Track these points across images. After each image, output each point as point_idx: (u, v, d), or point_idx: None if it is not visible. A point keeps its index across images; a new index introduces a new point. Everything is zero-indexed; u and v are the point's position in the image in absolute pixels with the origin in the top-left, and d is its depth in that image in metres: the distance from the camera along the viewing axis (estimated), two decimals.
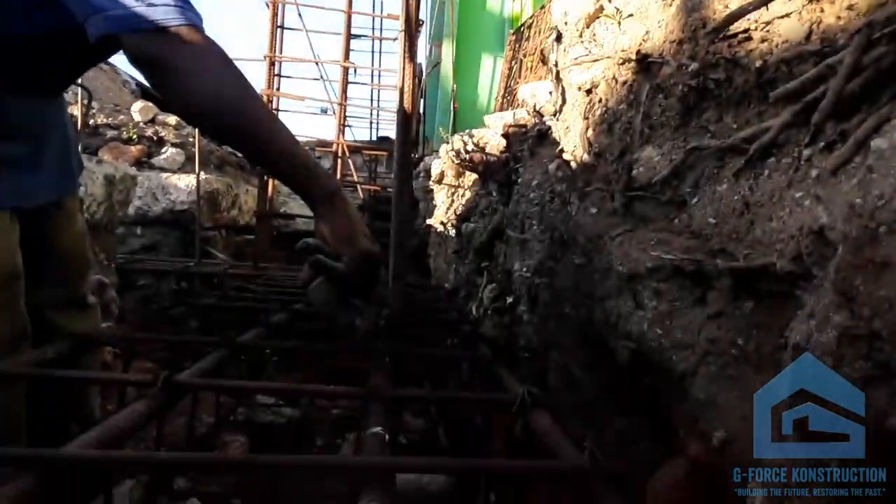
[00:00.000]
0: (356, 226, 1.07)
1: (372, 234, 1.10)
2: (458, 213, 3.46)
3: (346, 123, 6.37)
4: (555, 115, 1.68)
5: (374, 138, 7.93)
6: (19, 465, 0.55)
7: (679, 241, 1.06)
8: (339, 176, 5.93)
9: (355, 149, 6.78)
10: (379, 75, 8.08)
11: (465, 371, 1.56)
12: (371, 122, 7.88)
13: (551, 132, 2.26)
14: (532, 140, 2.34)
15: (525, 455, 0.86)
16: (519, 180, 2.40)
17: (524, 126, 2.53)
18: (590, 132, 1.20)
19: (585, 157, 1.24)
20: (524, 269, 2.07)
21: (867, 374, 0.64)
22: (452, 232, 3.77)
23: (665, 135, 1.10)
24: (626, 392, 1.33)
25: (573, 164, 1.37)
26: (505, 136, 2.82)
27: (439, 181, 4.45)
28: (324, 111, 7.79)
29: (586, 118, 1.26)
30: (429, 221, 4.81)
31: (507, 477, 0.90)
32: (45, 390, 1.24)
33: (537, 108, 2.40)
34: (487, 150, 3.36)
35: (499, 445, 1.83)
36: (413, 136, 4.60)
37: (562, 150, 1.43)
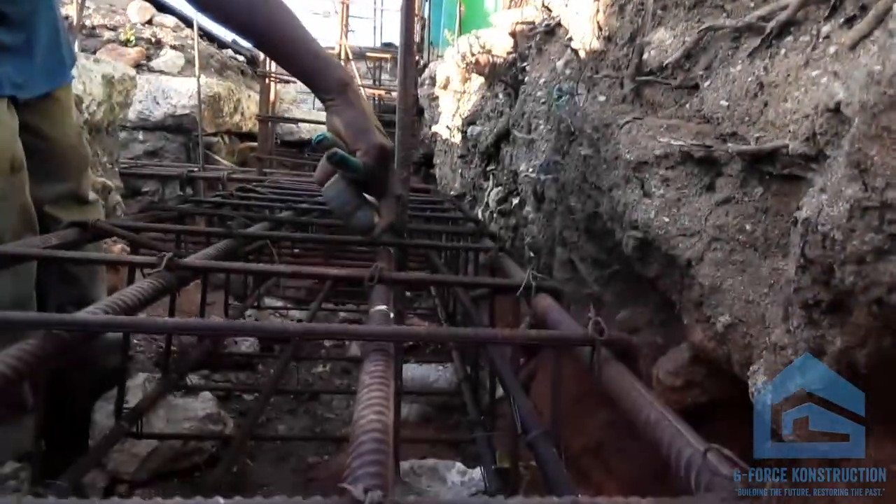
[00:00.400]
0: (370, 119, 1.03)
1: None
2: (463, 117, 3.40)
3: (349, 28, 6.19)
4: (566, 3, 1.62)
5: (377, 44, 7.72)
6: (26, 327, 0.55)
7: (689, 126, 1.03)
8: None
9: (359, 53, 6.62)
10: None
11: (471, 262, 1.56)
12: (374, 28, 7.68)
13: (560, 27, 2.19)
14: (539, 36, 2.27)
15: None
16: (526, 79, 2.34)
17: (531, 23, 2.45)
18: (600, 15, 1.16)
19: (595, 43, 1.20)
20: (530, 170, 2.04)
21: (878, 246, 0.63)
22: (458, 138, 3.71)
23: (678, 15, 1.05)
24: (631, 282, 1.33)
25: (582, 53, 1.33)
26: (512, 34, 2.73)
27: (445, 87, 4.36)
28: (325, 14, 7.57)
29: (596, 0, 1.21)
30: (434, 129, 4.74)
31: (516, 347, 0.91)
32: (51, 278, 1.25)
33: (545, 4, 2.32)
34: (494, 51, 3.27)
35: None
36: (418, 39, 4.46)
37: (570, 39, 1.38)
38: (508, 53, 2.94)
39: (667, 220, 1.03)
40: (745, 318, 0.92)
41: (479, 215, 2.76)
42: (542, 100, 2.13)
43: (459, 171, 3.45)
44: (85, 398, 1.52)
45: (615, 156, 1.14)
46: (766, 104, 0.94)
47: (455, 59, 4.07)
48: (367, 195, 1.04)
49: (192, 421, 1.55)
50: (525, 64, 2.44)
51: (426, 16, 7.52)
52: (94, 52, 4.29)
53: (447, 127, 4.03)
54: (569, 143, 1.36)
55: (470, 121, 3.22)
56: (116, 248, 2.60)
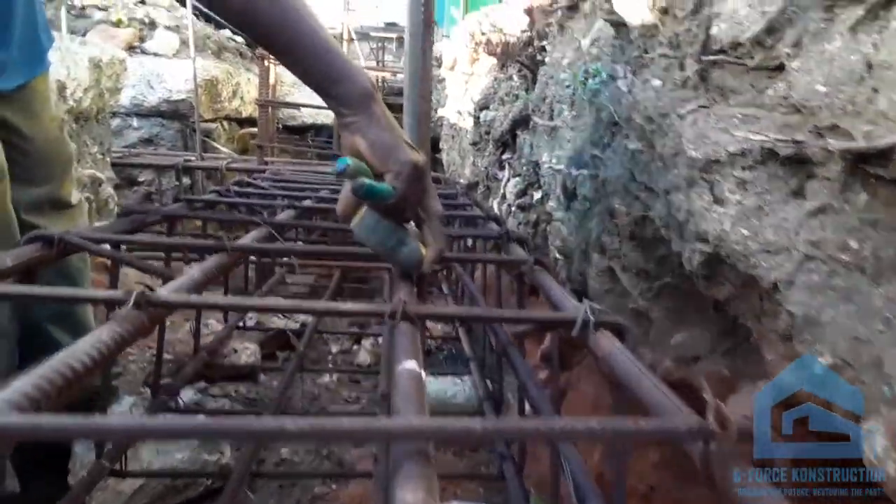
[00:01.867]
0: (397, 133, 0.83)
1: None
2: (474, 101, 3.21)
3: (350, 7, 5.96)
4: None
5: (380, 24, 7.47)
6: None
7: (773, 116, 0.85)
8: None
9: (362, 33, 6.40)
10: None
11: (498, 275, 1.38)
12: (377, 6, 7.42)
13: (585, 2, 1.99)
14: (561, 13, 2.07)
15: None
16: (546, 60, 2.15)
17: None
18: None
19: (646, 15, 1.01)
20: (554, 160, 1.86)
21: None
22: (468, 123, 3.52)
23: None
24: (686, 300, 1.15)
25: (626, 29, 1.14)
26: (528, 11, 2.53)
27: (452, 68, 4.16)
28: None
29: None
30: (441, 112, 4.54)
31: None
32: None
33: None
34: (506, 30, 3.06)
35: (535, 362, 1.69)
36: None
37: (611, 12, 1.19)
38: (523, 32, 2.74)
39: (745, 232, 0.85)
40: (854, 360, 0.74)
41: (495, 208, 2.58)
42: (567, 83, 1.93)
43: (471, 158, 3.26)
44: None
45: (675, 152, 0.96)
46: (875, 90, 0.75)
47: (463, 39, 3.87)
48: (404, 222, 0.85)
49: (185, 450, 1.38)
50: (544, 43, 2.25)
51: None
52: (84, 34, 4.10)
53: (456, 111, 3.83)
54: (611, 135, 1.17)
55: (482, 105, 3.03)
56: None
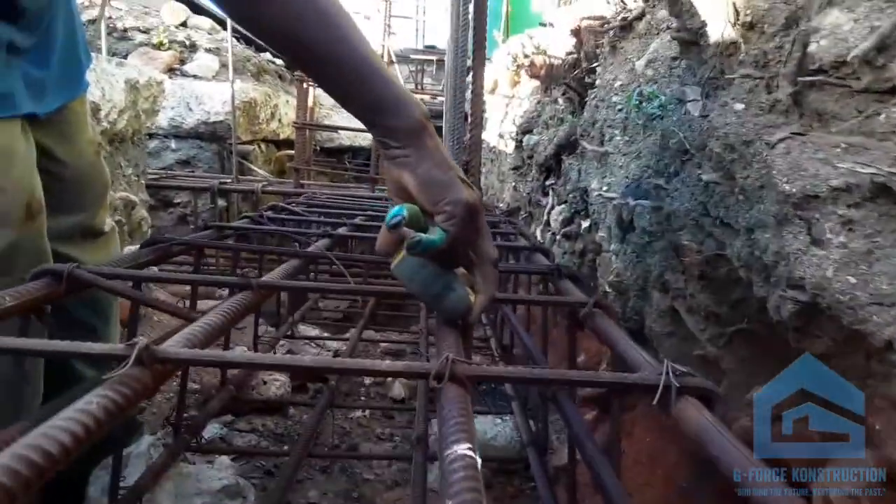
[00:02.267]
0: (452, 170, 0.72)
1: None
2: (516, 123, 3.11)
3: (391, 30, 5.95)
4: None
5: (420, 46, 7.45)
6: None
7: (885, 146, 0.73)
8: None
9: (402, 56, 6.36)
10: None
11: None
12: (416, 30, 7.41)
13: (639, 21, 1.88)
14: (614, 33, 1.97)
15: None
16: (596, 82, 2.04)
17: (601, 18, 2.15)
18: None
19: (727, 31, 0.90)
20: (605, 188, 1.74)
21: None
22: (508, 146, 3.43)
23: None
24: (765, 348, 1.02)
25: (701, 46, 1.03)
26: (575, 32, 2.43)
27: (492, 91, 4.08)
28: (366, 17, 7.33)
29: None
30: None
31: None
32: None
33: None
34: (550, 52, 2.97)
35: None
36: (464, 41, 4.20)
37: (679, 30, 1.08)
38: (569, 54, 2.64)
39: (852, 280, 0.73)
40: None
41: (538, 235, 2.47)
42: (619, 106, 1.82)
43: (512, 183, 3.16)
44: (79, 465, 1.27)
45: (761, 184, 0.84)
46: None
47: (504, 62, 3.79)
48: (451, 265, 0.74)
49: (206, 496, 1.28)
50: (594, 64, 2.14)
51: (470, 16, 7.21)
52: (126, 56, 4.11)
53: (497, 134, 3.74)
54: (680, 164, 1.05)
55: (525, 129, 2.92)
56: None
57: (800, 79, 0.79)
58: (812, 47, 0.78)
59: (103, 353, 0.58)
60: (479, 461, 0.46)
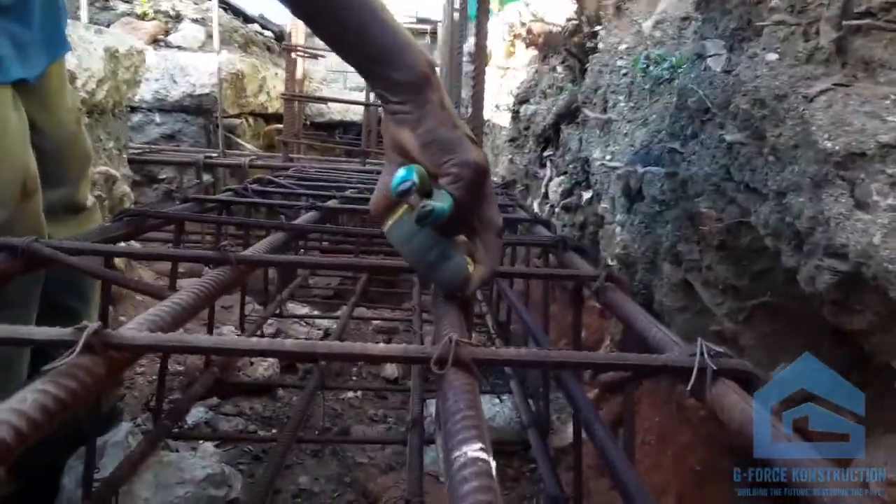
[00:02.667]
0: (459, 128, 0.63)
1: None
2: (512, 94, 3.01)
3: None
4: None
5: (413, 16, 7.29)
6: None
7: None
8: None
9: None
10: None
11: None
12: (410, 1, 7.23)
13: None
14: None
15: None
16: (599, 47, 1.94)
17: None
18: None
19: None
20: (608, 157, 1.65)
21: None
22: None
23: None
24: (789, 324, 0.94)
25: None
26: None
27: (486, 63, 3.96)
28: None
29: None
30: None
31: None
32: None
33: None
34: (548, 19, 2.87)
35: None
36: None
37: None
38: (569, 20, 2.54)
39: None
40: None
41: (536, 208, 2.38)
42: (624, 70, 1.73)
43: (508, 155, 3.06)
44: (51, 455, 1.19)
45: (796, 143, 0.75)
46: None
47: (499, 32, 3.68)
48: (453, 232, 0.66)
49: (189, 485, 1.20)
50: (596, 28, 2.04)
51: None
52: (108, 26, 3.97)
53: (493, 106, 3.63)
54: (700, 124, 0.97)
55: (522, 99, 2.83)
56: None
57: (844, 23, 0.70)
58: None
59: (46, 339, 0.49)
60: (494, 464, 0.38)
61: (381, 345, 0.53)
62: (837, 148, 0.69)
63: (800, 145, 0.75)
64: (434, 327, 0.73)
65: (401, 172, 0.60)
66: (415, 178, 0.59)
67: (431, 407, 1.63)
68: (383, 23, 0.64)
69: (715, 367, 0.54)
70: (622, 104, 1.69)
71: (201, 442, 1.37)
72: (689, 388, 0.53)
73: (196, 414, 1.63)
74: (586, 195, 1.87)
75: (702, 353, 0.55)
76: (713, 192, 0.94)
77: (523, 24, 3.01)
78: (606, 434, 0.86)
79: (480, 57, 0.73)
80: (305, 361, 1.83)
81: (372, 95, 5.97)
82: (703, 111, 0.95)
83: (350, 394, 1.93)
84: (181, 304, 0.64)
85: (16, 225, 0.90)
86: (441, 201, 0.59)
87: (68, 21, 1.20)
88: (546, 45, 2.77)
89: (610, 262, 1.55)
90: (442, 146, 0.61)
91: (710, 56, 0.97)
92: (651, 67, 1.57)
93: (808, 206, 0.74)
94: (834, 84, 0.71)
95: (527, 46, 3.10)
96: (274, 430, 1.65)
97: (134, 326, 0.54)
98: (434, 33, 5.86)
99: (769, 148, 0.80)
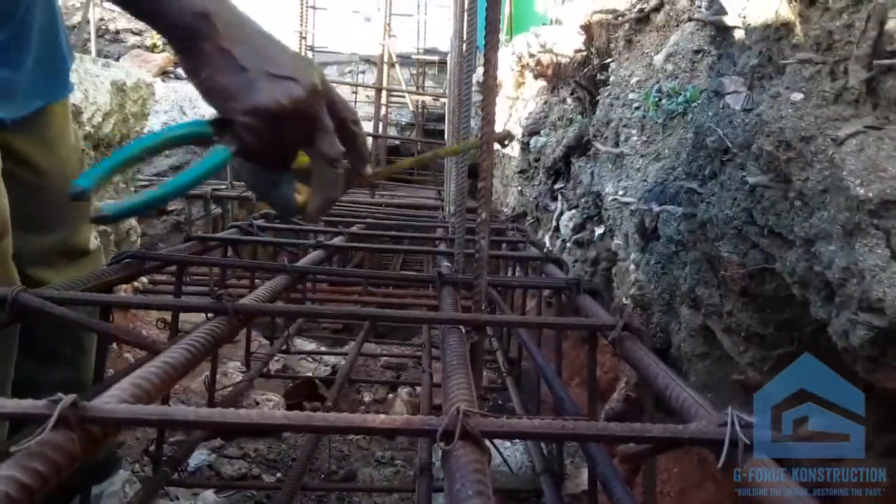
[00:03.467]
0: (246, 72, 0.59)
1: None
2: (521, 125, 2.98)
3: (391, 32, 5.83)
4: None
5: (420, 48, 7.32)
6: None
7: None
8: (385, 82, 5.38)
9: (404, 57, 6.24)
10: None
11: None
12: (417, 32, 7.28)
13: (657, 13, 1.75)
14: (629, 26, 1.84)
15: None
16: (610, 80, 1.91)
17: (613, 11, 2.02)
18: None
19: (782, 10, 0.77)
20: (621, 192, 1.61)
21: None
22: (513, 150, 3.30)
23: None
24: (816, 376, 0.89)
25: (748, 28, 0.90)
26: (585, 28, 2.30)
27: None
28: (366, 19, 7.20)
29: None
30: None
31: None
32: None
33: None
34: (557, 50, 2.84)
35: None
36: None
37: (717, 12, 0.95)
38: (577, 51, 2.52)
39: None
40: None
41: (547, 242, 2.34)
42: (636, 104, 1.70)
43: (517, 187, 3.03)
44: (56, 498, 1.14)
45: (825, 188, 0.71)
46: None
47: (508, 62, 3.67)
48: (273, 167, 0.68)
49: None
50: (608, 61, 2.01)
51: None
52: (118, 59, 3.99)
53: None
54: (719, 164, 0.92)
55: (532, 130, 2.80)
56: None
57: (875, 62, 0.66)
58: (890, 24, 0.65)
59: (18, 413, 0.45)
60: None
61: (382, 416, 0.48)
62: (871, 195, 0.64)
63: (829, 190, 0.70)
64: (441, 384, 0.69)
65: (83, 174, 0.60)
66: (96, 177, 0.59)
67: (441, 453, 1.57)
68: None
69: (748, 441, 0.49)
70: (634, 138, 1.66)
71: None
72: (720, 464, 0.48)
73: (198, 457, 1.58)
74: (599, 230, 1.82)
75: (732, 424, 0.51)
76: (735, 236, 0.90)
77: (532, 56, 2.99)
78: (624, 492, 0.81)
79: (490, 96, 0.70)
80: (302, 433, 1.78)
81: (380, 126, 6.00)
82: (722, 151, 0.91)
83: (357, 434, 1.87)
84: (171, 363, 0.60)
85: None
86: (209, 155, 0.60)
87: (75, 55, 1.17)
88: (555, 76, 2.75)
89: (624, 301, 1.51)
90: (218, 97, 0.59)
91: (729, 93, 0.93)
92: (664, 101, 1.53)
93: (839, 255, 0.69)
94: (865, 127, 0.67)
95: (535, 78, 3.08)
96: (279, 475, 1.60)
97: (116, 393, 0.50)
98: (443, 63, 5.90)
99: (795, 192, 0.75)
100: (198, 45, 0.59)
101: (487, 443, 0.48)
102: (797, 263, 0.78)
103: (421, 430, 0.48)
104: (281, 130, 0.60)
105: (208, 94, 0.59)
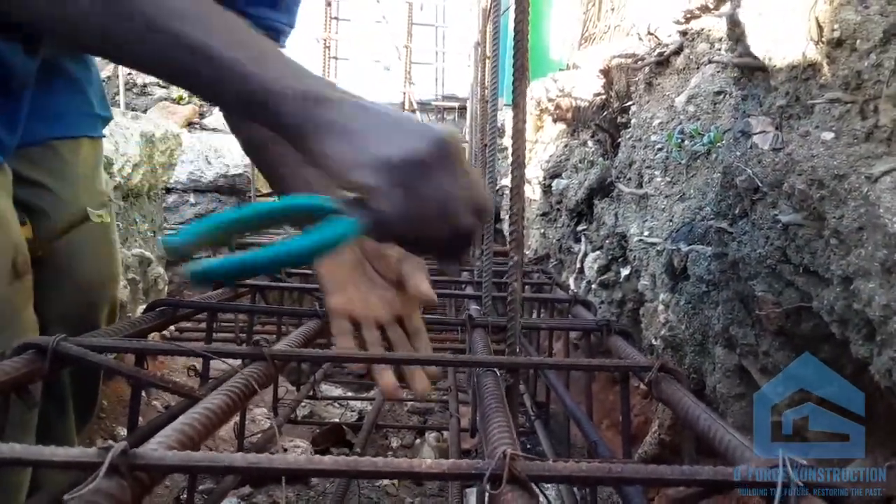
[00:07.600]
0: (380, 122, 0.52)
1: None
2: (542, 168, 3.00)
3: (411, 79, 5.93)
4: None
5: (439, 94, 7.46)
6: None
7: None
8: None
9: (424, 103, 6.33)
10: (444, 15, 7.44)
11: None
12: (436, 79, 7.42)
13: (677, 56, 1.78)
14: (649, 69, 1.87)
15: None
16: (631, 122, 1.93)
17: (633, 56, 2.05)
18: (821, 7, 0.75)
19: (809, 51, 0.78)
20: (647, 233, 1.61)
21: None
22: (534, 192, 3.32)
23: None
24: (873, 423, 0.88)
25: (770, 71, 0.91)
26: (605, 72, 2.34)
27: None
28: (386, 68, 7.36)
29: None
30: (503, 182, 4.37)
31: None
32: None
33: (652, 31, 1.92)
34: (575, 94, 2.88)
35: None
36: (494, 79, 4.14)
37: (741, 54, 0.96)
38: (596, 95, 2.55)
39: None
40: None
41: (572, 284, 2.33)
42: (658, 145, 1.71)
43: (539, 229, 3.04)
44: None
45: (860, 225, 0.71)
46: None
47: (528, 107, 3.72)
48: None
49: None
50: (629, 104, 2.04)
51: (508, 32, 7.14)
52: (146, 111, 4.10)
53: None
54: (750, 203, 0.93)
55: (553, 173, 2.82)
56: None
57: None
58: None
59: (68, 461, 0.46)
60: None
61: (429, 460, 0.48)
62: None
63: (865, 228, 0.70)
64: (479, 428, 0.69)
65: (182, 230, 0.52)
66: (181, 237, 0.51)
67: (471, 497, 1.55)
68: (232, 64, 0.53)
69: (801, 484, 0.48)
70: (658, 179, 1.66)
71: None
72: None
73: None
74: (624, 271, 1.82)
75: (784, 465, 0.50)
76: (769, 275, 0.90)
77: (551, 100, 3.03)
78: None
79: (520, 140, 0.71)
80: (350, 478, 1.76)
81: None
82: (752, 190, 0.91)
83: (386, 481, 1.85)
84: (213, 409, 0.60)
85: (5, 306, 0.84)
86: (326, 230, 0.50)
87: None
88: (575, 119, 2.78)
89: (654, 342, 1.49)
90: (344, 163, 0.50)
91: (756, 133, 0.94)
92: (686, 142, 1.54)
93: (879, 292, 0.69)
94: None
95: (555, 121, 3.12)
96: None
97: (162, 440, 0.50)
98: (463, 108, 5.99)
99: (830, 230, 0.75)
100: (320, 118, 0.52)
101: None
102: (835, 302, 0.77)
103: (468, 475, 0.48)
104: (426, 188, 0.50)
105: (333, 163, 0.51)
